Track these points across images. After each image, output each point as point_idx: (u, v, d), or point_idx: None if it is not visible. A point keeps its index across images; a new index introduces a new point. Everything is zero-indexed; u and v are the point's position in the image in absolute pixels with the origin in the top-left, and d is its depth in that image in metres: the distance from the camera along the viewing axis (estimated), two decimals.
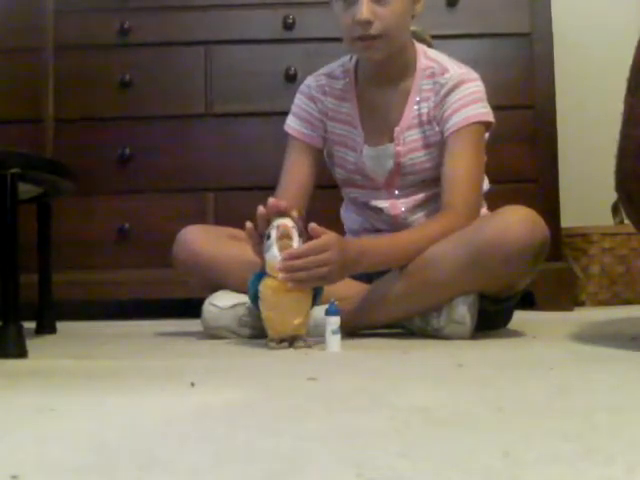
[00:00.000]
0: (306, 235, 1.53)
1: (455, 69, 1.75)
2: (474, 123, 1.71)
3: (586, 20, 2.97)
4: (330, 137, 1.85)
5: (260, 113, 2.53)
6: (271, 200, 1.53)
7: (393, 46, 1.71)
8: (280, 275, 1.48)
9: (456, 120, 1.71)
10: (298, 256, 1.48)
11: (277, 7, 2.56)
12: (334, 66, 1.88)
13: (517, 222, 1.55)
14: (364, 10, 1.63)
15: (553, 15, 2.55)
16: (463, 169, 1.70)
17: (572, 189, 2.76)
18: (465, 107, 1.71)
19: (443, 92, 1.73)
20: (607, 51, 2.86)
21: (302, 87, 1.89)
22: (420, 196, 1.81)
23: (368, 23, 1.65)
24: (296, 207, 1.58)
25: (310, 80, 1.88)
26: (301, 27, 2.55)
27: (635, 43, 1.42)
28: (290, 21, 2.54)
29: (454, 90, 1.72)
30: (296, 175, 1.84)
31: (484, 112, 1.73)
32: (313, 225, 1.51)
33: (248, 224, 1.54)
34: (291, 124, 1.87)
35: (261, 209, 1.53)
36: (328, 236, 1.51)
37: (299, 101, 1.88)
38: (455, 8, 2.54)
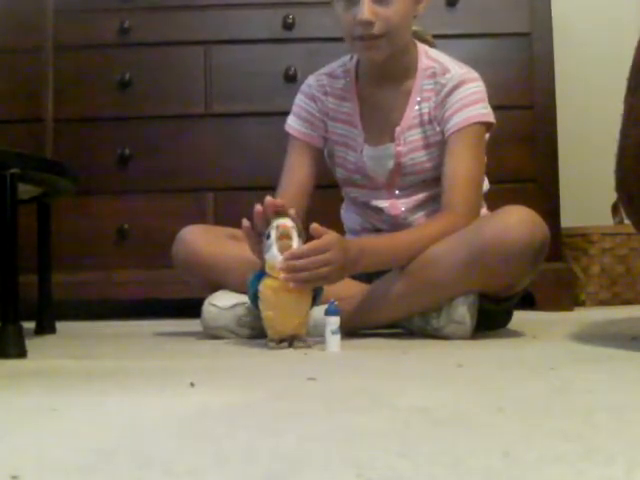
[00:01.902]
0: (305, 235, 1.54)
1: (456, 69, 1.75)
2: (475, 123, 1.71)
3: (586, 20, 2.97)
4: (331, 137, 1.85)
5: (260, 113, 2.53)
6: (268, 199, 1.53)
7: (395, 46, 1.71)
8: (282, 275, 1.47)
9: (457, 120, 1.71)
10: (300, 256, 1.48)
11: (277, 7, 2.56)
12: (335, 66, 1.88)
13: (517, 222, 1.55)
14: (366, 10, 1.63)
15: (553, 15, 2.55)
16: (463, 169, 1.70)
17: (572, 189, 2.76)
18: (466, 107, 1.71)
19: (444, 92, 1.73)
20: (607, 51, 2.86)
21: (303, 87, 1.89)
22: (420, 196, 1.81)
23: (369, 23, 1.65)
24: (295, 206, 1.57)
25: (311, 80, 1.88)
26: (301, 27, 2.55)
27: (635, 43, 1.42)
28: (290, 21, 2.54)
29: (455, 90, 1.72)
30: (296, 175, 1.84)
31: (485, 113, 1.73)
32: (315, 225, 1.51)
33: (244, 222, 1.54)
34: (292, 124, 1.87)
35: (258, 208, 1.53)
36: (329, 236, 1.51)
37: (300, 101, 1.88)
38: (455, 8, 2.54)
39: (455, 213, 1.66)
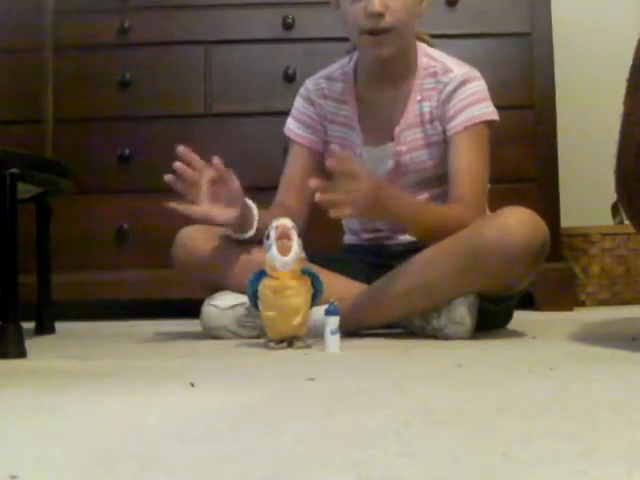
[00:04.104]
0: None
1: (458, 68, 1.75)
2: (479, 123, 1.72)
3: (586, 20, 2.97)
4: (331, 140, 1.85)
5: (260, 113, 2.53)
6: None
7: (401, 42, 1.71)
8: (317, 196, 1.47)
9: (462, 119, 1.71)
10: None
11: (277, 7, 2.55)
12: (333, 69, 1.87)
13: (517, 223, 1.55)
14: (377, 1, 1.63)
15: (553, 15, 2.54)
16: (469, 165, 1.70)
17: (572, 189, 2.75)
18: (472, 106, 1.72)
19: (447, 91, 1.73)
20: (607, 51, 2.86)
21: (301, 90, 1.89)
22: (422, 197, 1.80)
23: (380, 15, 1.64)
24: (292, 208, 1.57)
25: (309, 83, 1.88)
26: (301, 27, 2.55)
27: (635, 43, 1.42)
28: (290, 21, 2.54)
29: (459, 89, 1.73)
30: (295, 177, 1.85)
31: (489, 111, 1.74)
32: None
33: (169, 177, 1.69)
34: (291, 127, 1.88)
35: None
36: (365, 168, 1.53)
37: (298, 104, 1.88)
38: (455, 8, 2.54)
39: (465, 206, 1.66)
